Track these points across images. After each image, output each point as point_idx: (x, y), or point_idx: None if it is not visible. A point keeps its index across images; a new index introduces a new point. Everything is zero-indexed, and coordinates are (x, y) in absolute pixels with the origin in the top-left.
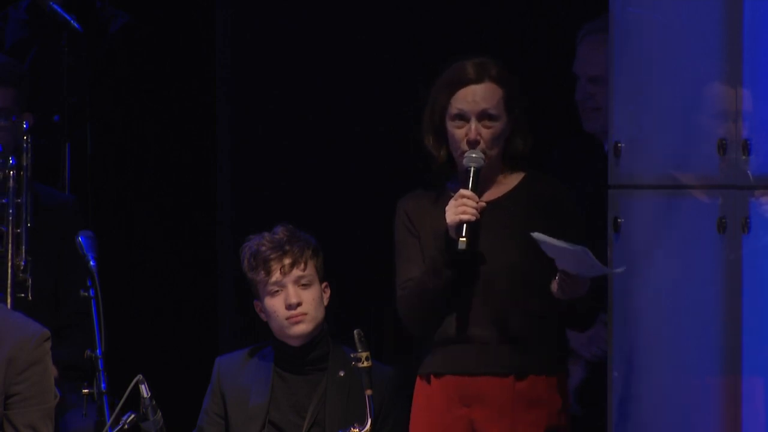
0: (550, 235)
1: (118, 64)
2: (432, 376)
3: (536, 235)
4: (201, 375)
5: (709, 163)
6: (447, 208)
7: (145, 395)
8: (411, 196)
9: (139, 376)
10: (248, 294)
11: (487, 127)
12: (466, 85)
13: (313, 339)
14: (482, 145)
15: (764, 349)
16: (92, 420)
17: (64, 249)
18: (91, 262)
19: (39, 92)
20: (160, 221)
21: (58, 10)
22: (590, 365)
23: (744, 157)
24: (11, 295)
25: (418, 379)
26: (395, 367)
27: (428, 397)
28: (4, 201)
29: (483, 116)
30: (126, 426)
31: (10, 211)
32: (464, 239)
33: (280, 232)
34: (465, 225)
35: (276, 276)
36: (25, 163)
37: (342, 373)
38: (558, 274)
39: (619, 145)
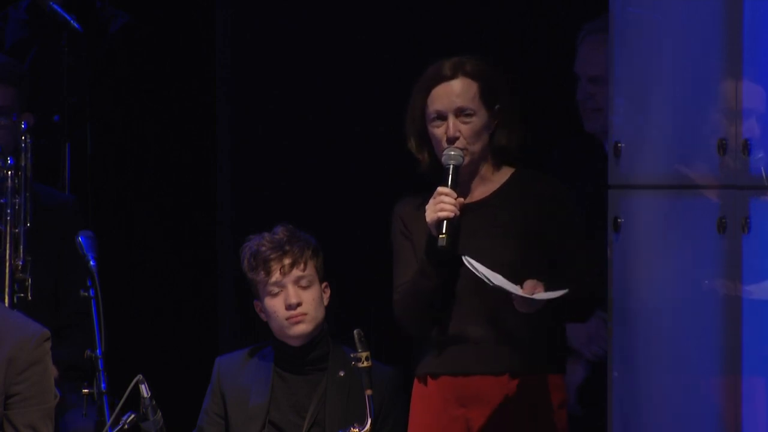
0: (549, 235)
1: (118, 64)
2: (428, 377)
3: (466, 258)
4: (201, 375)
5: (709, 163)
6: (427, 207)
7: (145, 395)
8: (405, 201)
9: (139, 376)
10: (248, 294)
11: (465, 123)
12: (440, 82)
13: (313, 339)
14: (462, 141)
15: (764, 349)
16: (92, 420)
17: (64, 249)
18: (91, 262)
19: (39, 92)
20: (160, 221)
21: (58, 10)
22: (591, 365)
23: (744, 157)
24: (9, 295)
25: (415, 380)
26: (395, 367)
27: (425, 399)
28: (2, 201)
29: (460, 112)
30: (126, 426)
31: (9, 211)
32: (443, 236)
33: (280, 232)
34: (445, 222)
35: (276, 276)
36: (23, 163)
37: (342, 373)
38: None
39: (619, 145)
